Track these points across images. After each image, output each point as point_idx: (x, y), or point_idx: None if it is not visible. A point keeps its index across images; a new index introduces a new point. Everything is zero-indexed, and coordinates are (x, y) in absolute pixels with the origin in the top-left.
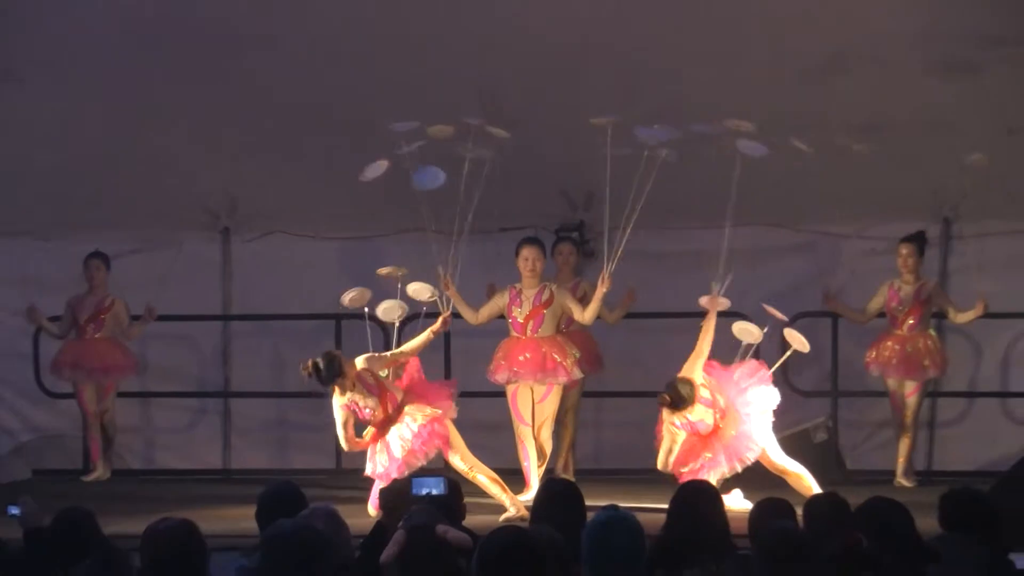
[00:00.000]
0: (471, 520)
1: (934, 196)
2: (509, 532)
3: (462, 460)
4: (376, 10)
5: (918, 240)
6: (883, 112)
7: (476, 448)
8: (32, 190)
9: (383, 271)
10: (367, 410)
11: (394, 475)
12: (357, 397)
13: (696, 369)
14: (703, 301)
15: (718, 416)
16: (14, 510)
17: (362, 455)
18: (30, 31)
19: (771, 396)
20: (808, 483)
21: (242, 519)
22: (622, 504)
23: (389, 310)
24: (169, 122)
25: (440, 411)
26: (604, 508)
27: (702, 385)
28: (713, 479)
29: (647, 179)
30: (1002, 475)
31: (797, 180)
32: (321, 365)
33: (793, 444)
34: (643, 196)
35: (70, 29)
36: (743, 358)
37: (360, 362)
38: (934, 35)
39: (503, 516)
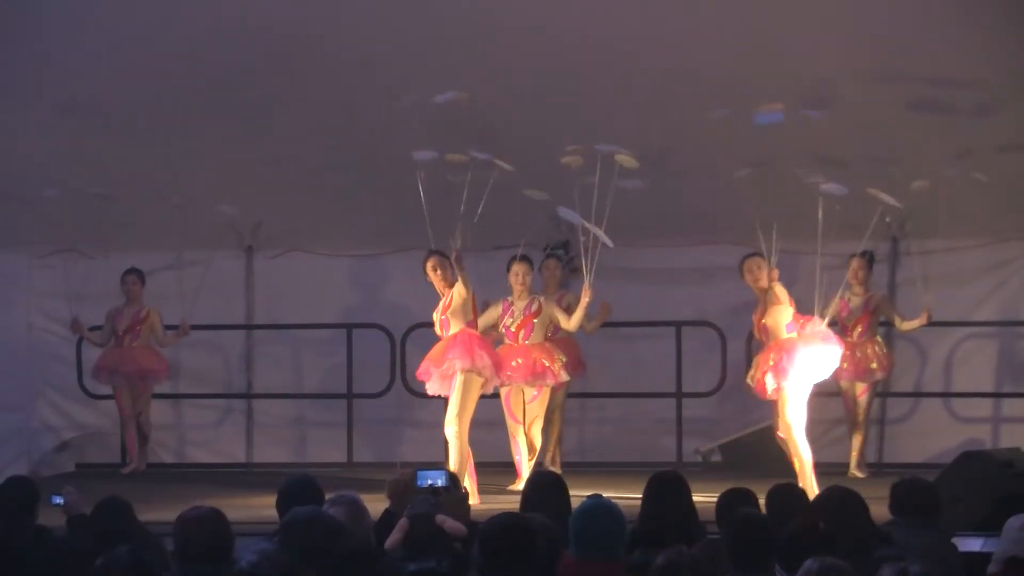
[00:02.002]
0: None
1: (881, 219)
2: (506, 517)
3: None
4: (388, 60)
5: (869, 256)
6: (839, 146)
7: (473, 443)
8: (78, 213)
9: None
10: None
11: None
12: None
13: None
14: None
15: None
16: (58, 499)
17: (368, 451)
18: (72, 70)
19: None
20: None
21: (263, 508)
22: (604, 493)
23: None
24: (200, 154)
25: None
26: (589, 496)
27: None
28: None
29: (612, 204)
30: (945, 467)
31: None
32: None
33: (759, 438)
34: (604, 218)
35: (109, 68)
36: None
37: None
38: (885, 77)
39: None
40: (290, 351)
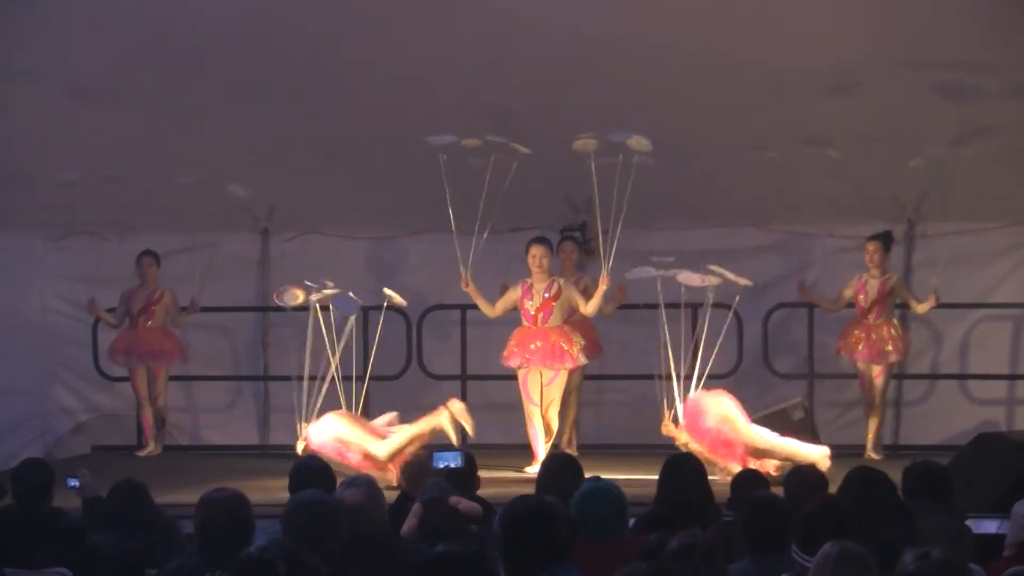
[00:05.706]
0: (485, 491)
1: (894, 201)
2: (529, 500)
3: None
4: (403, 42)
5: (884, 238)
6: (857, 127)
7: (490, 425)
8: (94, 196)
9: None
10: None
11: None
12: None
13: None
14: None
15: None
16: (73, 482)
17: None
18: (86, 51)
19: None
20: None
21: (278, 490)
22: (620, 476)
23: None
24: (216, 136)
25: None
26: (588, 479)
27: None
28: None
29: (626, 186)
30: (961, 448)
31: (776, 186)
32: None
33: (774, 421)
34: (624, 202)
35: (123, 51)
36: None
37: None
38: (907, 63)
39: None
40: (305, 334)
